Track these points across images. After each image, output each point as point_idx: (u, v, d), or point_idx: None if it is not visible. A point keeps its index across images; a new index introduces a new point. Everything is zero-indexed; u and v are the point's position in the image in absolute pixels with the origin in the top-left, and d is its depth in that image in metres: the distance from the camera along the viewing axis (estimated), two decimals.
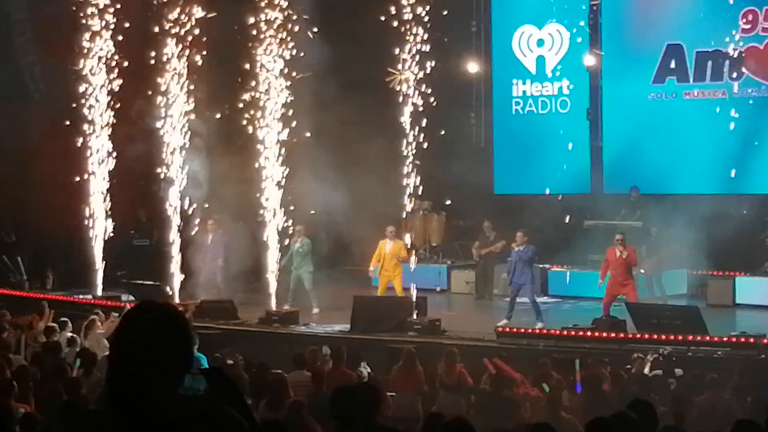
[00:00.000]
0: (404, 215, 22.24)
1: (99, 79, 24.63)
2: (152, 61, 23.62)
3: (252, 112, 22.78)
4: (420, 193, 22.34)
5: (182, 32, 23.52)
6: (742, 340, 17.83)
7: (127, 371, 3.62)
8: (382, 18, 21.89)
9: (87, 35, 24.51)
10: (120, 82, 24.71)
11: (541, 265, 24.26)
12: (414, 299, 20.85)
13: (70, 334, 18.61)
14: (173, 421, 3.58)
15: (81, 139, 24.65)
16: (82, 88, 24.54)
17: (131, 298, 23.28)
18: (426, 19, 21.86)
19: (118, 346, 3.69)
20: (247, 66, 22.77)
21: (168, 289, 23.04)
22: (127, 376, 3.61)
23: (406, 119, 21.82)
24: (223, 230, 24.41)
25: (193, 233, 24.15)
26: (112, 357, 3.72)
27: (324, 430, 10.75)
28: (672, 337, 17.92)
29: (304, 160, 23.34)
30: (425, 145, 21.98)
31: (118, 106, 24.80)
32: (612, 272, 20.59)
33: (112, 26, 24.53)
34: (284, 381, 13.32)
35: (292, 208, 22.82)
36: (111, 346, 3.76)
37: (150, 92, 23.75)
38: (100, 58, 24.60)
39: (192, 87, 23.75)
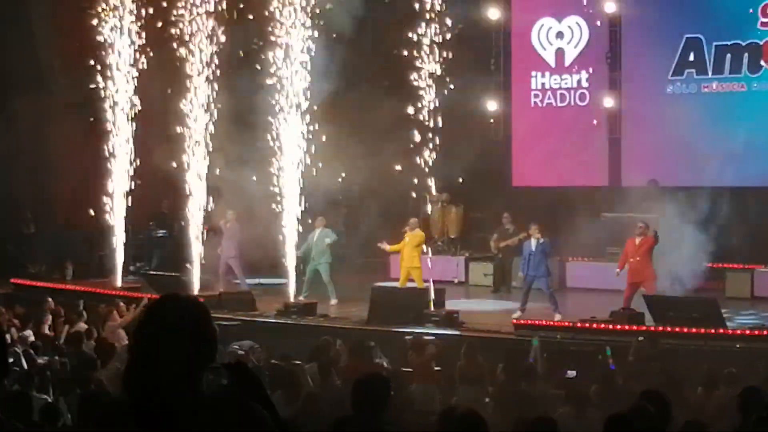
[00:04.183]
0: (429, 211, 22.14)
1: (119, 71, 24.79)
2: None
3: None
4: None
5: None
6: (762, 333, 17.81)
7: (151, 363, 3.63)
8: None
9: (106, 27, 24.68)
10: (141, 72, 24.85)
11: (559, 258, 24.33)
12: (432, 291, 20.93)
13: (84, 325, 18.71)
14: (196, 415, 3.59)
15: (101, 131, 24.77)
16: (101, 80, 24.69)
17: (150, 289, 23.35)
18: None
19: (142, 337, 3.69)
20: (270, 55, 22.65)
21: (187, 280, 23.12)
22: (151, 368, 3.62)
23: (425, 107, 21.85)
24: (240, 222, 24.36)
25: (212, 225, 24.24)
26: (135, 348, 3.73)
27: (334, 420, 10.73)
28: (689, 330, 17.90)
29: (321, 151, 23.40)
30: (443, 138, 22.01)
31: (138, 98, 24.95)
32: (630, 261, 20.54)
33: (132, 19, 24.68)
34: (302, 373, 13.36)
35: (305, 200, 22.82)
36: (135, 338, 3.75)
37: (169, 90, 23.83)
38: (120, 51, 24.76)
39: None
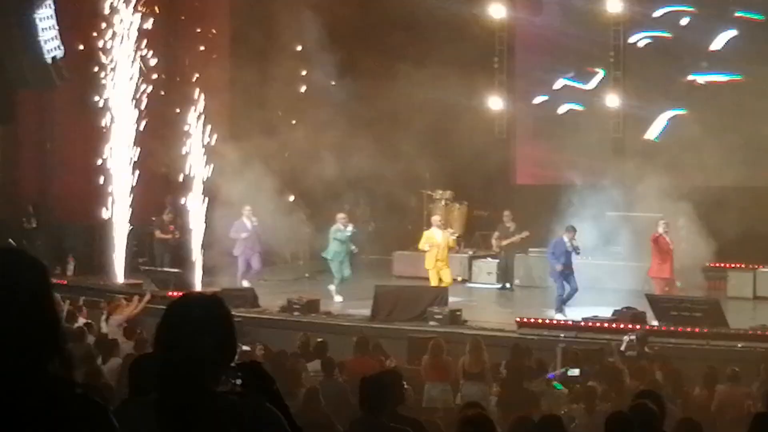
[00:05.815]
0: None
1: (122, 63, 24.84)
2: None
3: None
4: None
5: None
6: (764, 333, 17.83)
7: (174, 361, 3.59)
8: None
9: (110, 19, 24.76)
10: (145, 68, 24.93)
11: None
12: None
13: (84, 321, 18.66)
14: (214, 415, 3.58)
15: (104, 125, 24.77)
16: (104, 74, 24.72)
17: (153, 285, 23.30)
18: None
19: (165, 336, 3.66)
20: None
21: (188, 276, 23.11)
22: (175, 367, 3.58)
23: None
24: (257, 217, 24.19)
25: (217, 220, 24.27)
26: (158, 347, 3.70)
27: (335, 419, 10.73)
28: (692, 329, 17.91)
29: (328, 147, 23.49)
30: (447, 136, 22.05)
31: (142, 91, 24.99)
32: (668, 260, 20.74)
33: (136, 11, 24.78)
34: (301, 369, 13.37)
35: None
36: (157, 336, 3.73)
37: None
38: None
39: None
